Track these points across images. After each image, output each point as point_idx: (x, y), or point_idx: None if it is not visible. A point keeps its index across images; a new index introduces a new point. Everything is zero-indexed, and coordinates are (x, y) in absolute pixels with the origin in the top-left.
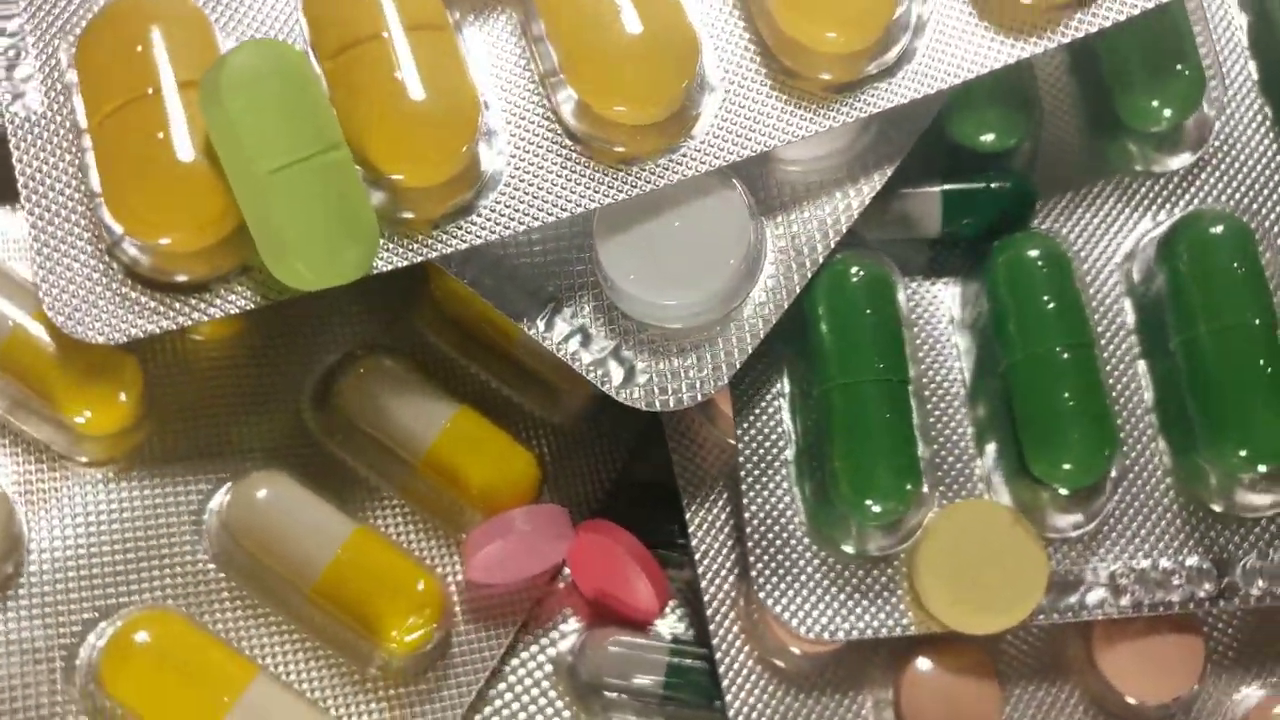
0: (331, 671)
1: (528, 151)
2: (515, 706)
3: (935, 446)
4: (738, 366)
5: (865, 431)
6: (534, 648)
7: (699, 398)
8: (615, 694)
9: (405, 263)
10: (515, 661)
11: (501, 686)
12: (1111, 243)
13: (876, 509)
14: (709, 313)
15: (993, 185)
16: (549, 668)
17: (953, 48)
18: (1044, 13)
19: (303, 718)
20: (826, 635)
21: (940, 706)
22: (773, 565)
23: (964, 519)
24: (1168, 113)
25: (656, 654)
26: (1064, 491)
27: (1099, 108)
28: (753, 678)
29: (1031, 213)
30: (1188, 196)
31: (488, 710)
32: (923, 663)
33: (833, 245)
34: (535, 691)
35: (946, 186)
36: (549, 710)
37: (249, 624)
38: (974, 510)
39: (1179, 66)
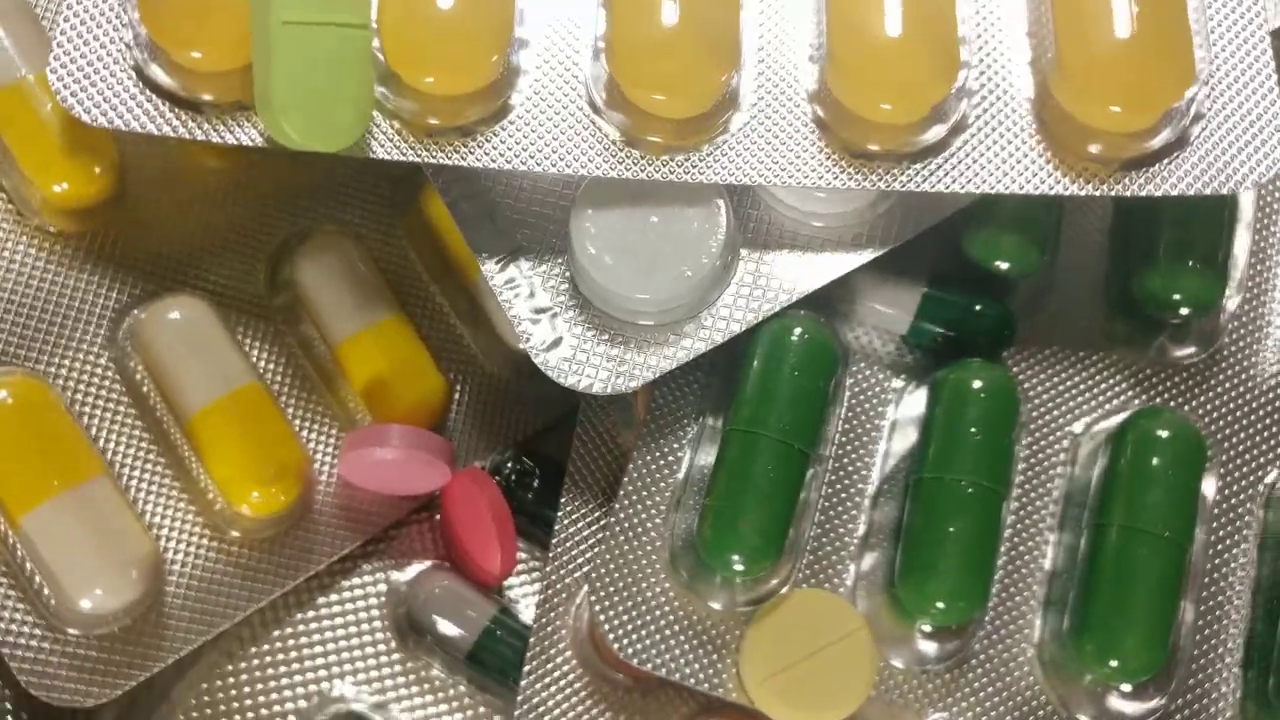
0: (173, 505)
1: (545, 101)
2: (336, 611)
3: (819, 530)
4: (655, 376)
5: (746, 483)
6: (377, 566)
7: (608, 389)
8: (428, 637)
9: (389, 158)
10: (356, 573)
11: (333, 595)
12: (1077, 407)
13: (730, 561)
14: (651, 315)
15: (975, 306)
16: (383, 589)
17: (993, 155)
18: (1101, 161)
19: (124, 528)
20: (636, 661)
21: None
22: (615, 575)
23: (809, 606)
24: (1184, 310)
25: (478, 613)
26: (924, 625)
27: (1118, 274)
28: (556, 674)
29: (1005, 345)
30: (1169, 392)
31: (309, 608)
32: None
33: (795, 299)
34: (361, 605)
35: (930, 290)
36: (364, 628)
37: (117, 431)
38: (823, 602)
39: (1201, 265)
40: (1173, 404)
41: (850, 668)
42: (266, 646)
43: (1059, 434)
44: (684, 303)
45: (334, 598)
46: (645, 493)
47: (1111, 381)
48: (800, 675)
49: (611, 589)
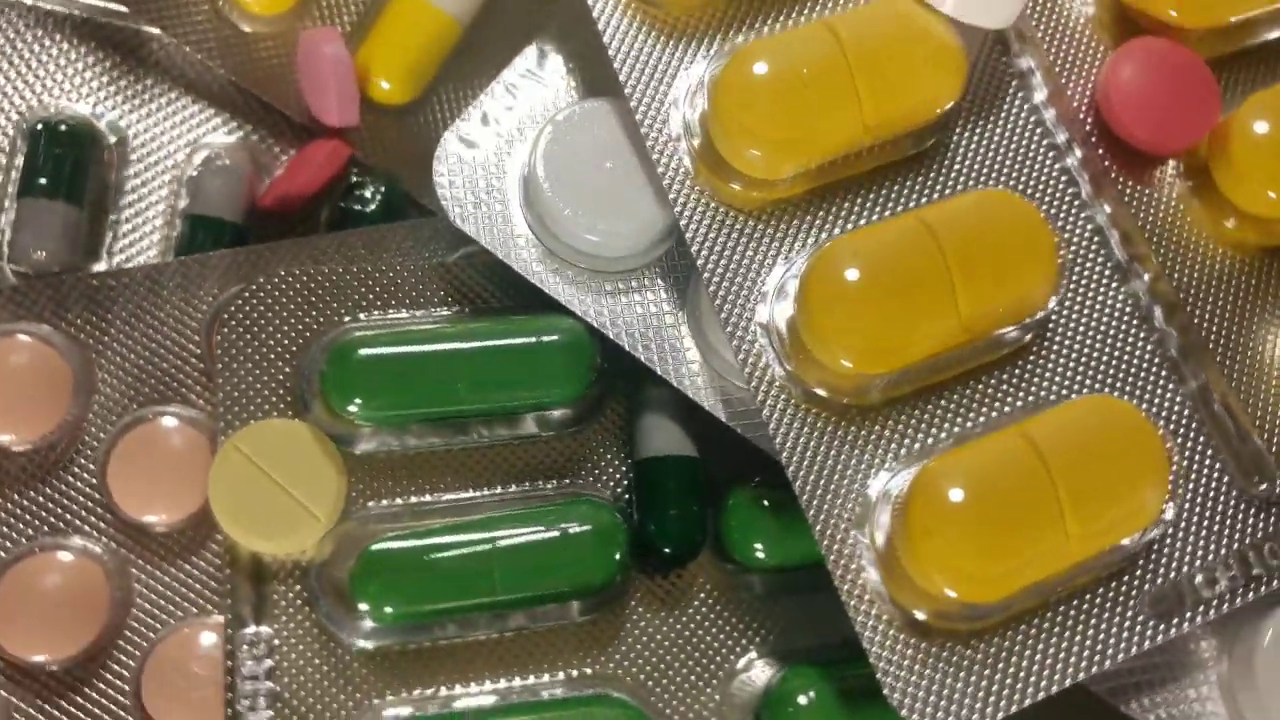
0: None
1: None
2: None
3: (407, 468)
4: (497, 255)
5: (405, 353)
6: (242, 125)
7: (453, 216)
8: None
9: None
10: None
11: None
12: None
13: (337, 390)
14: (542, 226)
15: (673, 509)
16: (222, 135)
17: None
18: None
19: None
20: (218, 353)
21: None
22: (273, 291)
23: (325, 465)
24: None
25: (223, 201)
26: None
27: None
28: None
29: (680, 560)
30: None
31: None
32: None
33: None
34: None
35: (679, 457)
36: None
37: None
38: (330, 480)
39: None
40: None
41: (276, 523)
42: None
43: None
44: (576, 243)
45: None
46: (367, 290)
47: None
48: (250, 475)
49: (263, 292)
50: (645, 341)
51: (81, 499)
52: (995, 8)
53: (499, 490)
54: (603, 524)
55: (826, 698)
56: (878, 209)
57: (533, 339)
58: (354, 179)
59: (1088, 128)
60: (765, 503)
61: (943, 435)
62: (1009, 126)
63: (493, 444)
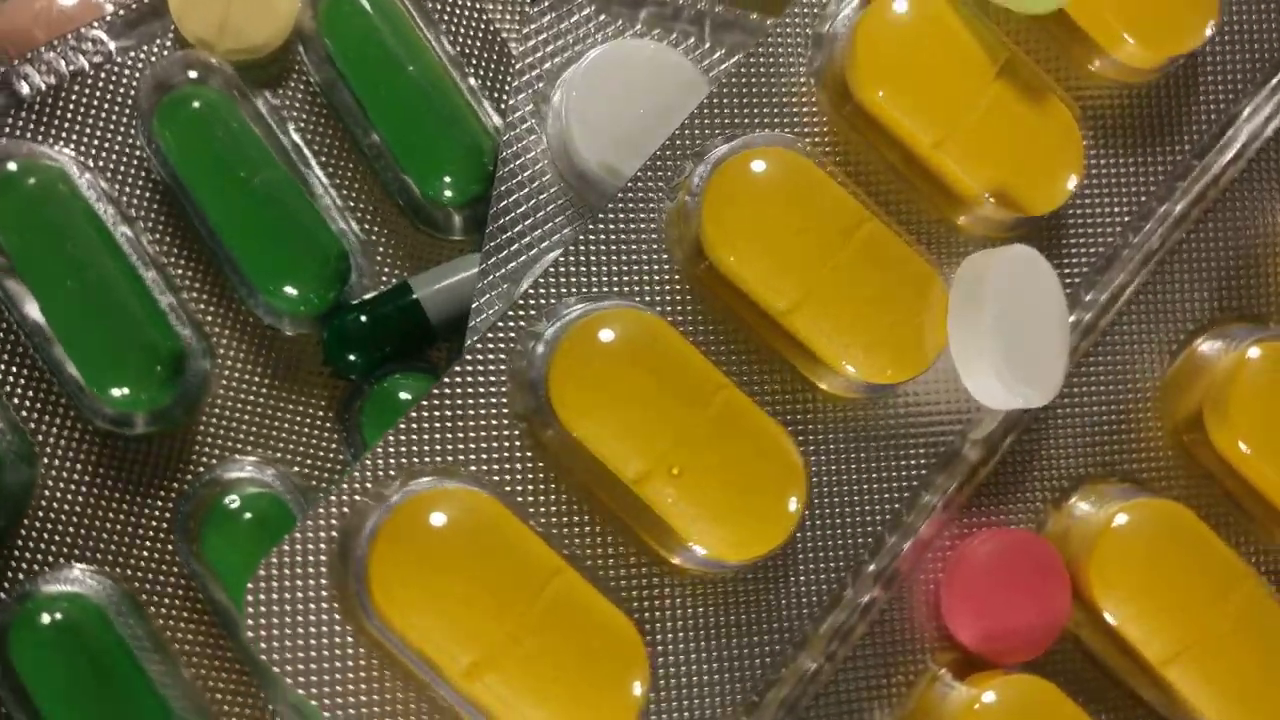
0: None
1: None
2: None
3: None
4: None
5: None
6: None
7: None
8: None
9: None
10: None
11: None
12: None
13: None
14: (551, 119)
15: (368, 323)
16: None
17: None
18: None
19: None
20: None
21: None
22: None
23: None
24: None
25: None
26: None
27: None
28: None
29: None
30: None
31: None
32: None
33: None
34: None
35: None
36: None
37: None
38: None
39: None
40: None
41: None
42: None
43: None
44: (575, 145)
45: None
46: None
47: None
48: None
49: None
50: (520, 239)
51: None
52: (996, 398)
53: (334, 182)
54: (331, 266)
55: (252, 521)
56: (736, 370)
57: (455, 125)
58: None
59: (933, 552)
60: (404, 396)
61: (563, 548)
62: (885, 460)
63: (372, 163)
